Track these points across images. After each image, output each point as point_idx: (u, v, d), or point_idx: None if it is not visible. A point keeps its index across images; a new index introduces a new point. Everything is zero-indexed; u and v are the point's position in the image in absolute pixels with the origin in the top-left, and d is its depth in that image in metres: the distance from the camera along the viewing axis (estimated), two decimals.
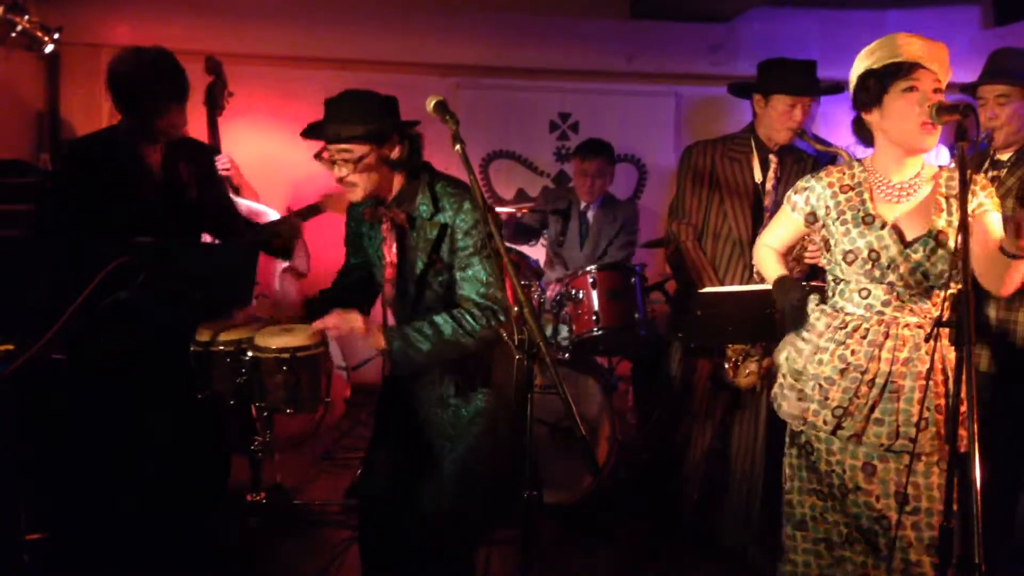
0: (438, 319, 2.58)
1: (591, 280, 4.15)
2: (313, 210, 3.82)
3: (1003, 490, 3.20)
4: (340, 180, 2.62)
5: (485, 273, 2.60)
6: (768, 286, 3.00)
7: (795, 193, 2.55)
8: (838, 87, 4.53)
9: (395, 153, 2.62)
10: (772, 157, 3.54)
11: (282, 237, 3.54)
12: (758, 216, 3.53)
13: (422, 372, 2.73)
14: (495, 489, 2.80)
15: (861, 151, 4.69)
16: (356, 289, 2.92)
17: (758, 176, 3.55)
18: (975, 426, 1.93)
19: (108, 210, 3.09)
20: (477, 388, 2.73)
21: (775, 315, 2.99)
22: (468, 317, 2.58)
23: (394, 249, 2.71)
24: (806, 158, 3.64)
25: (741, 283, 3.49)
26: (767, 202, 3.54)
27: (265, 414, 2.84)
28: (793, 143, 3.56)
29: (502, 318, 2.59)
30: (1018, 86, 3.10)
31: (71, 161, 3.25)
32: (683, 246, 3.60)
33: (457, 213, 2.61)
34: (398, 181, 2.69)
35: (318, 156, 2.64)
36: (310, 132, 2.60)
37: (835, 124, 5.68)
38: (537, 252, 5.21)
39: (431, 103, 2.40)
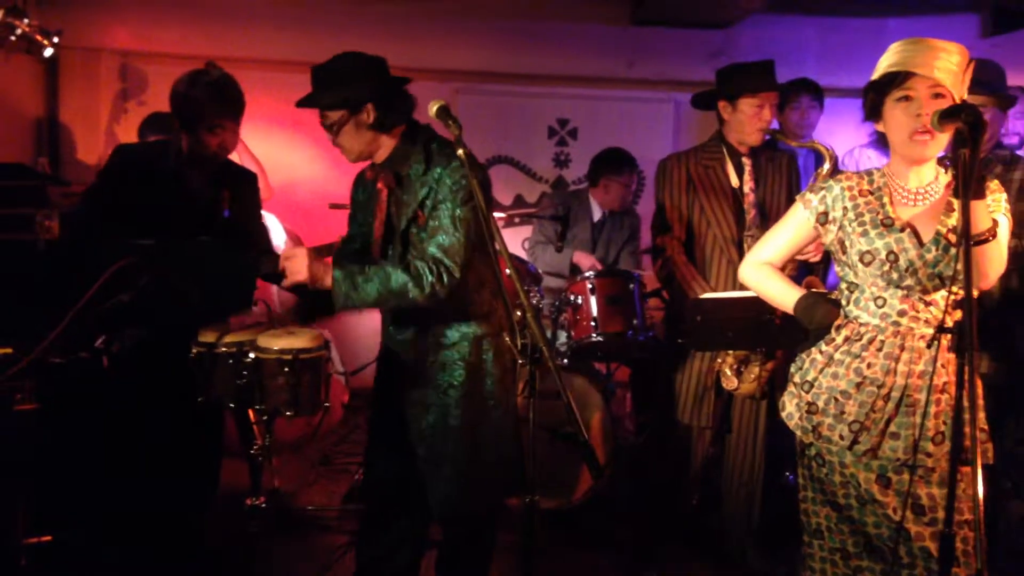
0: (390, 267, 2.59)
1: (590, 286, 4.15)
2: (330, 250, 3.84)
3: (990, 494, 3.23)
4: (334, 143, 2.71)
5: (451, 238, 2.61)
6: None
7: (810, 192, 2.51)
8: (803, 83, 4.58)
9: (371, 117, 2.65)
10: (745, 160, 3.57)
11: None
12: (740, 220, 3.56)
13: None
14: (500, 458, 2.82)
15: (869, 154, 4.73)
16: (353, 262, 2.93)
17: (734, 180, 3.58)
18: (977, 432, 1.93)
19: (136, 219, 3.13)
20: (467, 362, 2.76)
21: (776, 320, 2.98)
22: (422, 268, 2.59)
23: (385, 207, 2.74)
24: (779, 155, 3.66)
25: (733, 288, 3.50)
26: (747, 205, 3.56)
27: (264, 418, 2.84)
28: (768, 143, 3.59)
29: (454, 278, 2.60)
30: (992, 96, 3.22)
31: (114, 163, 3.31)
32: (671, 259, 3.61)
33: (445, 169, 2.64)
34: (388, 142, 2.71)
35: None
36: (302, 100, 2.68)
37: (833, 129, 5.69)
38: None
39: (434, 108, 2.41)
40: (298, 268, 2.58)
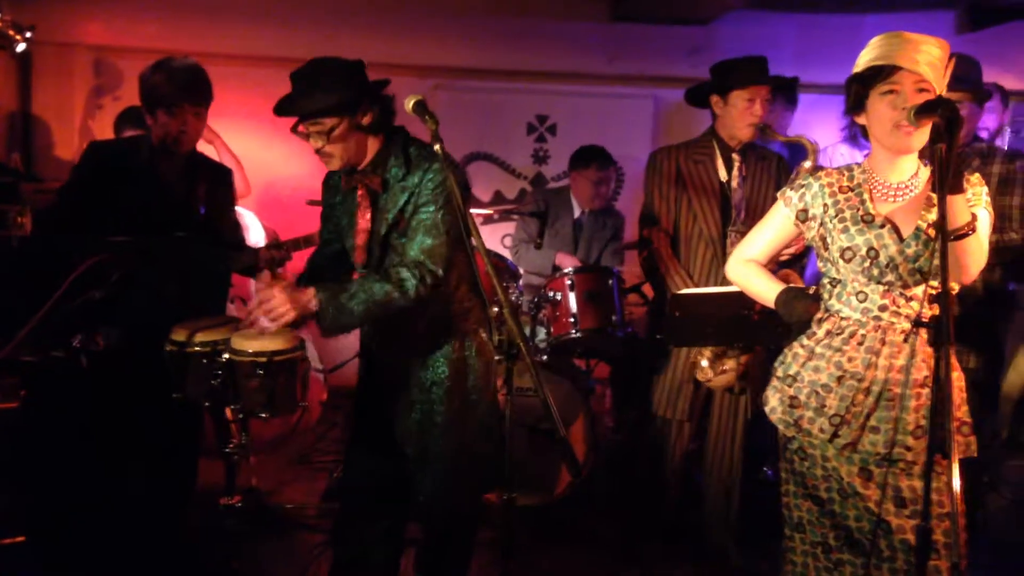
0: (369, 280, 2.56)
1: (569, 282, 4.14)
2: (307, 241, 3.82)
3: (969, 488, 3.25)
4: (317, 151, 2.63)
5: (433, 239, 2.59)
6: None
7: (790, 189, 2.52)
8: (786, 80, 4.58)
9: (367, 119, 2.62)
10: (735, 156, 3.58)
11: (271, 263, 3.48)
12: (726, 215, 3.57)
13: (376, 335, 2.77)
14: (485, 453, 2.80)
15: (842, 150, 4.75)
16: (331, 267, 2.90)
17: (723, 176, 3.58)
18: (952, 424, 1.93)
19: (111, 214, 3.11)
20: (449, 358, 2.75)
21: (754, 316, 2.99)
22: (403, 273, 2.56)
23: (368, 215, 2.70)
24: (769, 155, 3.67)
25: (716, 283, 3.50)
26: (735, 200, 3.57)
27: (240, 417, 2.81)
28: (756, 140, 3.60)
29: (436, 278, 2.58)
30: (968, 91, 3.26)
31: (88, 160, 3.28)
32: (657, 252, 3.61)
33: (425, 173, 2.62)
34: (373, 145, 2.68)
35: (295, 130, 2.64)
36: (281, 109, 2.60)
37: (811, 125, 5.71)
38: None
39: (410, 103, 2.40)
40: (281, 308, 2.46)
